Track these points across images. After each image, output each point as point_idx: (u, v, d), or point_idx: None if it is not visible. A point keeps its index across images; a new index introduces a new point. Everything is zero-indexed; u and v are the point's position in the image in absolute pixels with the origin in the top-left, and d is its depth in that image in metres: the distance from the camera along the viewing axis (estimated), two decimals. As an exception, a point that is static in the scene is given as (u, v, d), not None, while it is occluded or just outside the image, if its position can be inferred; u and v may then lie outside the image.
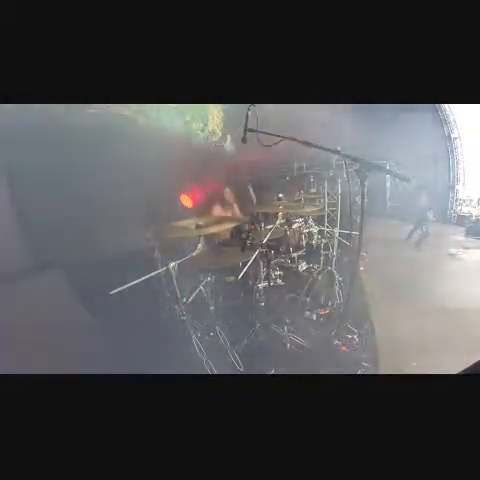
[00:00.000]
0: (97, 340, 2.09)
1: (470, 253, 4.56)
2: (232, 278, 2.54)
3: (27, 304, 1.87)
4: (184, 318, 2.26)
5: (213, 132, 4.31)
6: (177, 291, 2.17)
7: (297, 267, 2.81)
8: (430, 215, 4.99)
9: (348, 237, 3.21)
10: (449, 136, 6.86)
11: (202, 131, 4.13)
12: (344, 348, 2.23)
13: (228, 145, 4.50)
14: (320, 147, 1.54)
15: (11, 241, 2.04)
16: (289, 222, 2.96)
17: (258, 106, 1.58)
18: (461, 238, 5.49)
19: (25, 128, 2.01)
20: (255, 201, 4.15)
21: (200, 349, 2.23)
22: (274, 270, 2.61)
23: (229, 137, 4.48)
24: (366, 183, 1.39)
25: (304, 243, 3.15)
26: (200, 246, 2.60)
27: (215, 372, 2.08)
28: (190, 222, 2.26)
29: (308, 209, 3.06)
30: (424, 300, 3.07)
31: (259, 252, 2.31)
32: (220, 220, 2.41)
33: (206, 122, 4.18)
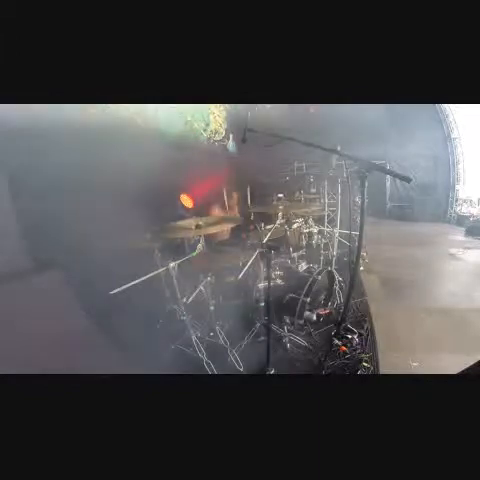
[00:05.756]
0: (97, 340, 2.09)
1: (470, 253, 4.56)
2: (232, 278, 2.53)
3: (27, 304, 1.87)
4: (184, 318, 2.26)
5: (216, 131, 4.31)
6: (177, 291, 2.18)
7: (297, 267, 2.81)
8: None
9: (348, 237, 3.20)
10: (449, 136, 6.86)
11: (204, 131, 4.13)
12: (344, 348, 2.23)
13: (230, 145, 4.51)
14: (320, 147, 1.54)
15: (11, 241, 2.04)
16: (289, 222, 2.96)
17: (258, 106, 1.58)
18: (461, 238, 5.49)
19: (25, 128, 2.01)
20: (250, 202, 4.16)
21: (200, 349, 2.23)
22: (274, 270, 2.60)
23: (231, 136, 4.48)
24: (366, 183, 1.39)
25: (304, 243, 3.15)
26: (200, 246, 2.61)
27: (215, 372, 2.08)
28: (190, 222, 2.26)
29: (308, 208, 3.06)
30: (424, 300, 3.06)
31: (259, 252, 2.31)
32: (220, 220, 2.41)
33: (208, 122, 4.18)
